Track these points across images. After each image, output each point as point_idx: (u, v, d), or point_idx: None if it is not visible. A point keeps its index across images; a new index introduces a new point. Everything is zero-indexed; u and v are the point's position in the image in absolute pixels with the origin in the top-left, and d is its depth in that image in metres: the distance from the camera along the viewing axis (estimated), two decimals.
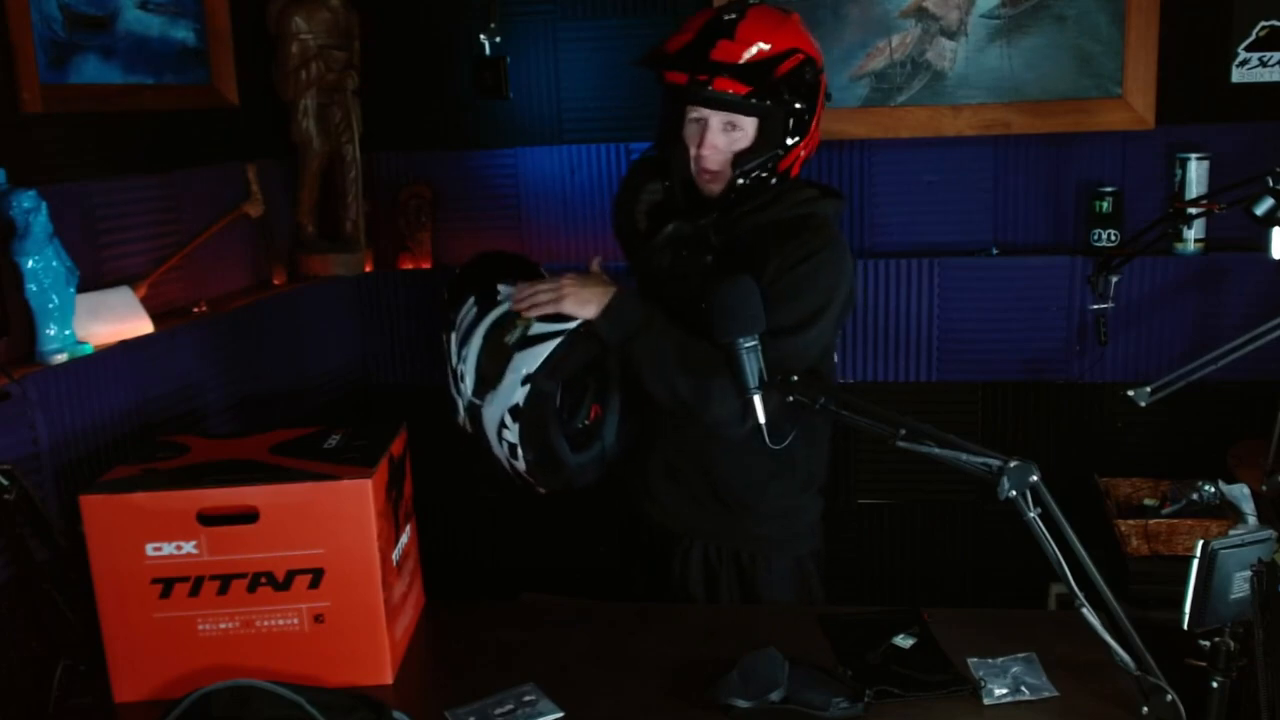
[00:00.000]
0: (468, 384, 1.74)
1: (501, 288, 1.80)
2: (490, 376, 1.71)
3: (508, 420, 1.69)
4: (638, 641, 1.71)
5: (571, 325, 1.71)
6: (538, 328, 1.71)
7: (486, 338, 1.73)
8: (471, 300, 1.80)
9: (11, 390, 1.74)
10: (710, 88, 1.74)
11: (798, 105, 1.77)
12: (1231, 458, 2.50)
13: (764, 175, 1.80)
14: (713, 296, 1.65)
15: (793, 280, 1.77)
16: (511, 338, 1.71)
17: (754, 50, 1.74)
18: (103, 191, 2.16)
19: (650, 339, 1.75)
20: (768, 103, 1.75)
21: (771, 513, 1.95)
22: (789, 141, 1.79)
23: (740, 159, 1.78)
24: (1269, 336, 1.86)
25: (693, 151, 1.80)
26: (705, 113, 1.78)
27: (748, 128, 1.77)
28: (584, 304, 1.74)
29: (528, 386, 1.66)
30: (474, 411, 1.75)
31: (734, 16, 1.77)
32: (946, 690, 1.52)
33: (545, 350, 1.67)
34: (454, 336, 1.78)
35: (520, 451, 1.71)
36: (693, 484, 1.94)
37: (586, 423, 1.80)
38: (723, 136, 1.78)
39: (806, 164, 1.87)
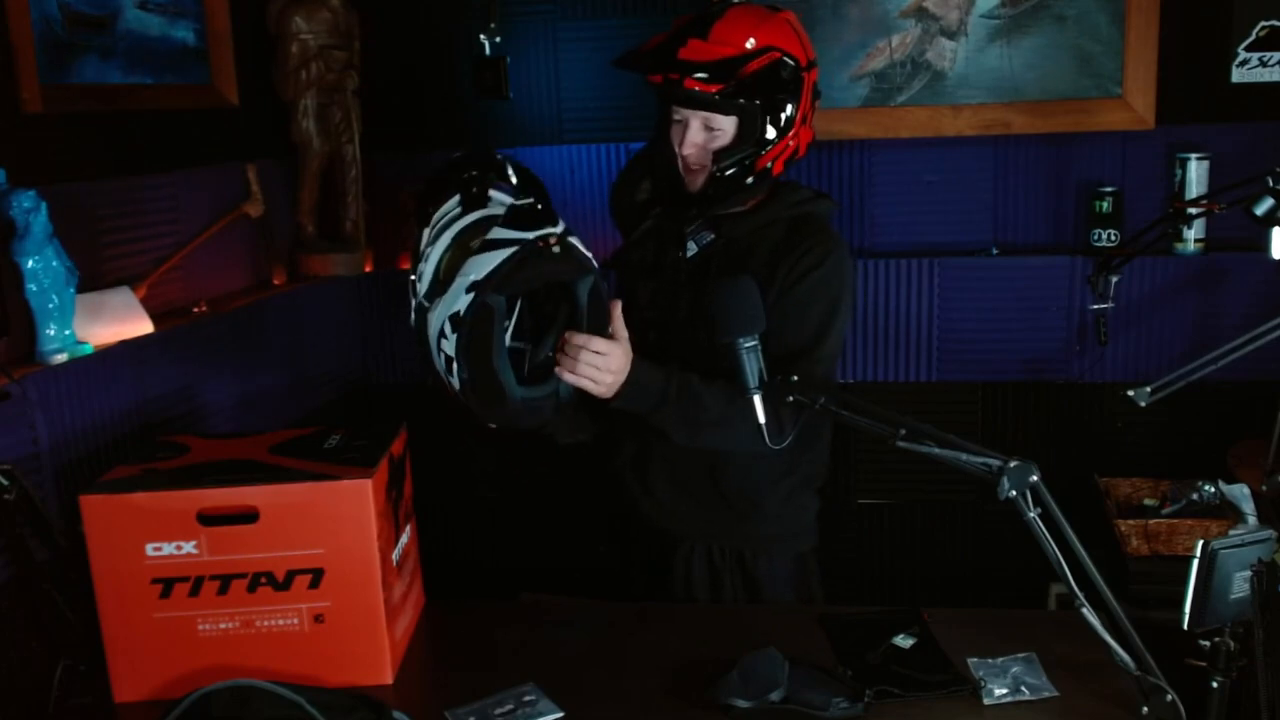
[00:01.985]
0: (423, 284, 1.60)
1: (494, 193, 1.62)
2: (445, 280, 1.56)
3: (447, 329, 1.54)
4: (638, 641, 1.71)
5: (529, 236, 1.53)
6: (496, 233, 1.54)
7: (456, 238, 1.58)
8: (457, 199, 1.62)
9: (11, 390, 1.74)
10: (682, 86, 1.76)
11: (772, 103, 1.78)
12: (1231, 458, 2.50)
13: (740, 172, 1.80)
14: (712, 297, 1.65)
15: (807, 291, 1.81)
16: (476, 242, 1.55)
17: (723, 49, 1.75)
18: (103, 191, 2.16)
19: (669, 409, 1.74)
20: (740, 101, 1.76)
21: (774, 512, 1.96)
22: (767, 139, 1.80)
23: (718, 156, 1.80)
24: (1269, 336, 1.86)
25: (676, 149, 1.82)
26: (685, 112, 1.80)
27: (726, 126, 1.79)
28: (599, 385, 1.66)
29: (471, 295, 1.51)
30: (421, 314, 1.61)
31: (712, 16, 1.77)
32: (946, 690, 1.52)
33: (495, 259, 1.52)
34: (428, 232, 1.62)
35: (455, 368, 1.56)
36: (695, 486, 1.94)
37: (550, 354, 1.66)
38: (701, 135, 1.80)
39: (799, 165, 1.87)
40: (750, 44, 1.76)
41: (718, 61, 1.75)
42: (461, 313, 1.52)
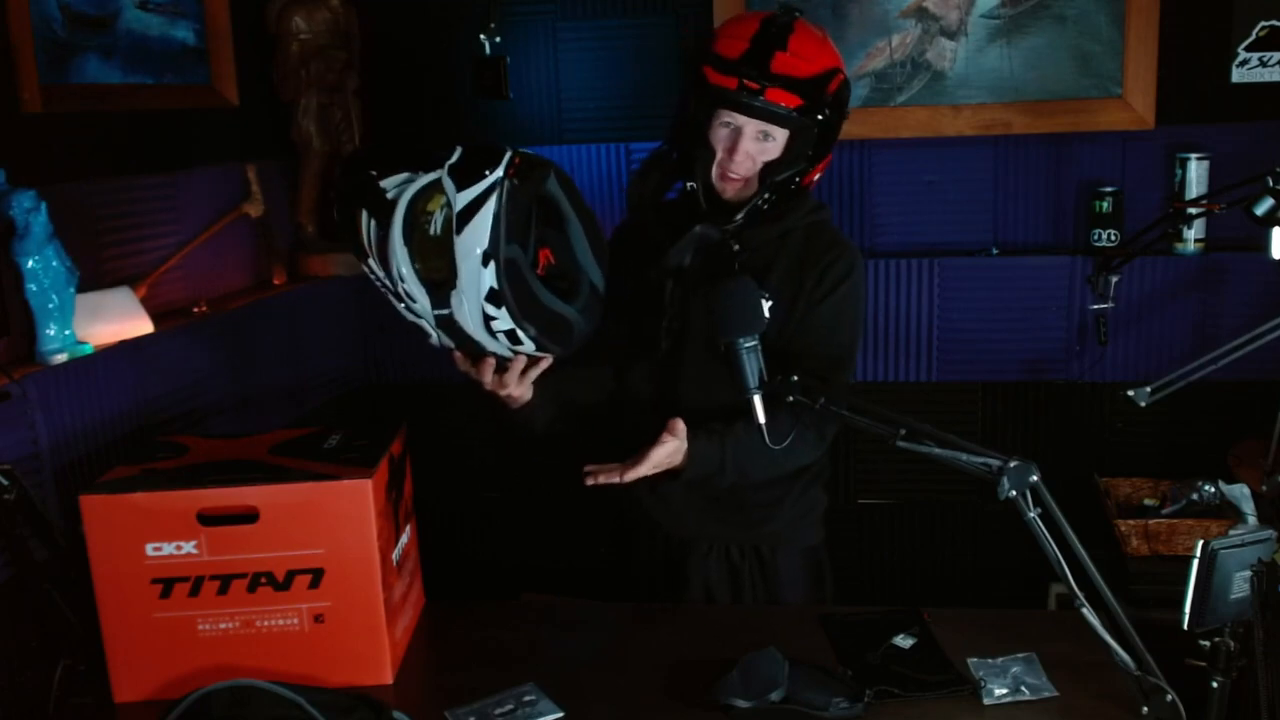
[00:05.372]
0: (422, 302, 1.55)
1: (385, 184, 1.57)
2: (441, 279, 1.52)
3: (490, 310, 1.52)
4: (638, 641, 1.71)
5: (492, 178, 1.48)
6: (462, 198, 1.47)
7: (408, 242, 1.53)
8: (365, 215, 1.58)
9: (11, 390, 1.74)
10: (762, 97, 1.73)
11: (828, 121, 1.79)
12: (1231, 458, 2.50)
13: (791, 187, 1.80)
14: (712, 298, 1.65)
15: (839, 301, 1.84)
16: (435, 227, 1.51)
17: (808, 66, 1.75)
18: (103, 191, 2.16)
19: (727, 475, 1.78)
20: (818, 117, 1.76)
21: (789, 510, 1.96)
22: (817, 155, 1.81)
23: (770, 169, 1.78)
24: (1269, 336, 1.86)
25: (719, 155, 1.78)
26: (740, 120, 1.76)
27: (779, 139, 1.77)
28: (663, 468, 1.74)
29: (491, 264, 1.48)
30: (448, 322, 1.56)
31: (779, 30, 1.76)
32: (946, 690, 1.52)
33: (486, 219, 1.47)
34: (372, 261, 1.58)
35: (520, 334, 1.56)
36: (713, 491, 1.92)
37: (550, 263, 1.62)
38: (755, 144, 1.77)
39: None
40: (827, 63, 1.78)
41: (806, 78, 1.74)
42: (496, 286, 1.50)
